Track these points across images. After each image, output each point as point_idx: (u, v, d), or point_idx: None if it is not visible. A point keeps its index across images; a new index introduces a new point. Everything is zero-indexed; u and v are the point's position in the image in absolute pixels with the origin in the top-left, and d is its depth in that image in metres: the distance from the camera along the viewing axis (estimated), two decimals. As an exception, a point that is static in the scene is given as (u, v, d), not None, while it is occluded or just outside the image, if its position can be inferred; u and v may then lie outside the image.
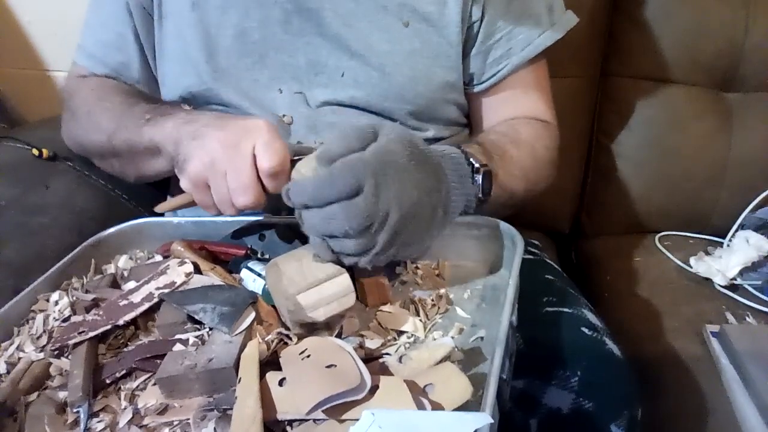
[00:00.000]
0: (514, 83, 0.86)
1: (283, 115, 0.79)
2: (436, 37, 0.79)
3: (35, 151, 0.95)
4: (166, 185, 0.92)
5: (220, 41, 0.78)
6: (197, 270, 0.63)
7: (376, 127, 0.55)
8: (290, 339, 0.54)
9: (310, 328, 0.56)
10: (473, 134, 0.91)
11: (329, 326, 0.57)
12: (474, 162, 0.62)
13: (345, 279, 0.54)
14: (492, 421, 0.41)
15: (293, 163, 0.59)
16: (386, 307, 0.59)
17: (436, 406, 0.45)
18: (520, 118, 0.86)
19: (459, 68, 0.81)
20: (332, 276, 0.54)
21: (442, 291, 0.61)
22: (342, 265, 0.56)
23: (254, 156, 0.60)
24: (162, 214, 0.86)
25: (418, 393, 0.46)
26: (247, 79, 0.79)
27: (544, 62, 0.88)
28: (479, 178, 0.61)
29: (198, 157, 0.62)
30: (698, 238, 1.13)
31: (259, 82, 0.79)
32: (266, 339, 0.54)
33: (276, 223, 0.70)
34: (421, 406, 0.45)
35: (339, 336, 0.56)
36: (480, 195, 0.62)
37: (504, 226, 0.64)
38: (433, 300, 0.60)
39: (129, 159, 0.76)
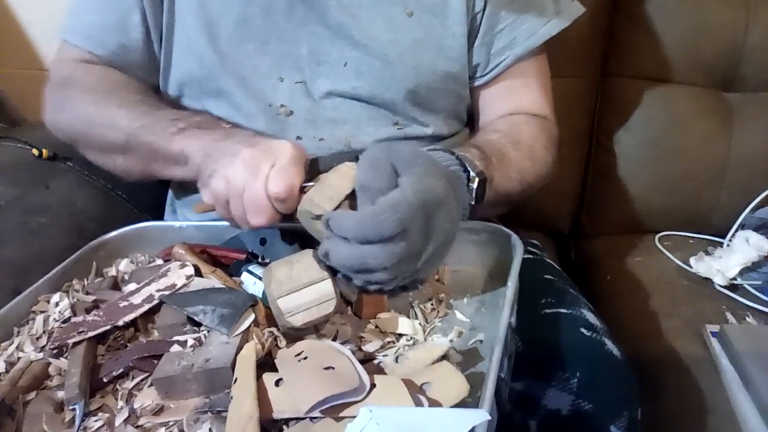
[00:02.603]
0: (516, 75, 0.85)
1: (281, 106, 0.79)
2: (439, 28, 0.79)
3: (35, 151, 0.95)
4: (167, 184, 0.92)
5: (221, 27, 0.78)
6: (198, 273, 0.64)
7: (389, 155, 0.54)
8: (280, 341, 0.55)
9: (300, 333, 0.56)
10: (474, 129, 0.90)
11: (319, 332, 0.57)
12: (470, 169, 0.61)
13: (327, 285, 0.53)
14: (489, 417, 0.41)
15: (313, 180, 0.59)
16: (383, 313, 0.59)
17: (434, 404, 0.46)
18: (519, 115, 0.85)
19: (462, 59, 0.81)
20: (315, 281, 0.53)
21: (442, 296, 0.62)
22: (367, 291, 0.54)
23: None
24: (160, 210, 0.86)
25: (416, 391, 0.46)
26: (247, 66, 0.78)
27: (544, 56, 0.88)
28: (474, 185, 0.61)
29: (222, 175, 0.62)
30: (698, 238, 1.13)
31: (259, 69, 0.78)
32: (261, 340, 0.54)
33: (277, 227, 0.70)
34: (418, 404, 0.45)
35: (334, 340, 0.56)
36: (473, 202, 0.61)
37: (504, 231, 0.64)
38: (432, 304, 0.60)
39: (143, 161, 0.75)
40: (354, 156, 0.58)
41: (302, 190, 0.59)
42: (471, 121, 0.92)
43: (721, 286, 0.96)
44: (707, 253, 1.04)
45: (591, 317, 0.74)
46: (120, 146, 0.75)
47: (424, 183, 0.51)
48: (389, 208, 0.49)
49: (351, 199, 0.55)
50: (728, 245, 1.04)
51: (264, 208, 0.60)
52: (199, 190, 0.66)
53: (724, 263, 0.97)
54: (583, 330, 0.71)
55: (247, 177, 0.60)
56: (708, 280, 0.98)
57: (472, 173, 0.61)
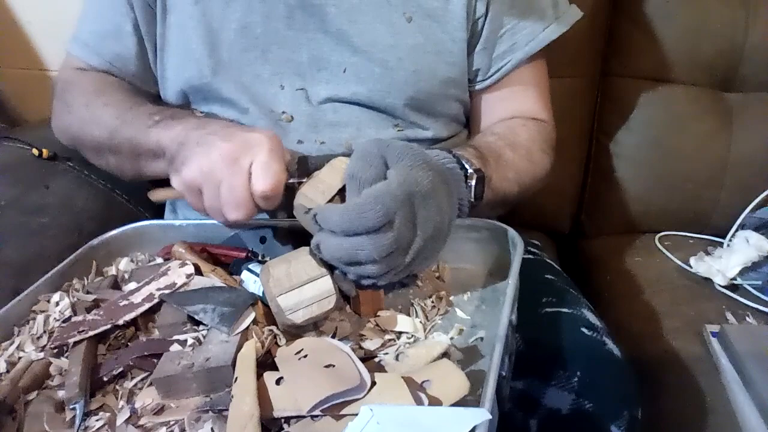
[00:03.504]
0: (515, 81, 0.86)
1: (283, 113, 0.79)
2: (439, 33, 0.79)
3: (35, 151, 0.95)
4: (166, 184, 0.92)
5: (222, 35, 0.78)
6: (198, 271, 0.63)
7: (380, 149, 0.55)
8: (280, 339, 0.55)
9: (299, 330, 0.56)
10: (472, 133, 0.91)
11: (318, 329, 0.57)
12: (467, 167, 0.62)
13: (326, 282, 0.54)
14: (490, 416, 0.41)
15: (298, 185, 0.59)
16: (383, 311, 0.59)
17: (434, 402, 0.45)
18: (518, 118, 0.86)
19: (462, 64, 0.81)
20: (315, 278, 0.54)
21: (442, 293, 0.61)
22: (362, 287, 0.55)
23: (250, 174, 0.60)
24: (160, 209, 0.85)
25: (416, 389, 0.46)
26: (249, 74, 0.79)
27: (543, 61, 0.88)
28: (472, 182, 0.62)
29: (197, 163, 0.61)
30: (698, 238, 1.13)
31: (261, 77, 0.79)
32: (261, 338, 0.54)
33: (277, 226, 0.70)
34: (419, 401, 0.45)
35: (334, 337, 0.56)
36: (472, 199, 0.62)
37: (504, 228, 0.64)
38: (433, 302, 0.60)
39: (129, 157, 0.75)
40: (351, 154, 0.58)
41: (286, 186, 0.60)
42: (468, 123, 0.92)
43: (721, 286, 0.96)
44: (707, 253, 1.04)
45: (591, 317, 0.74)
46: (107, 145, 0.76)
47: (410, 175, 0.52)
48: (373, 200, 0.50)
49: (343, 193, 0.56)
50: (728, 245, 1.04)
51: (243, 204, 0.60)
52: (170, 176, 0.66)
53: (724, 263, 0.97)
54: (583, 329, 0.71)
55: (225, 170, 0.60)
56: (708, 280, 0.98)
57: (469, 170, 0.61)
